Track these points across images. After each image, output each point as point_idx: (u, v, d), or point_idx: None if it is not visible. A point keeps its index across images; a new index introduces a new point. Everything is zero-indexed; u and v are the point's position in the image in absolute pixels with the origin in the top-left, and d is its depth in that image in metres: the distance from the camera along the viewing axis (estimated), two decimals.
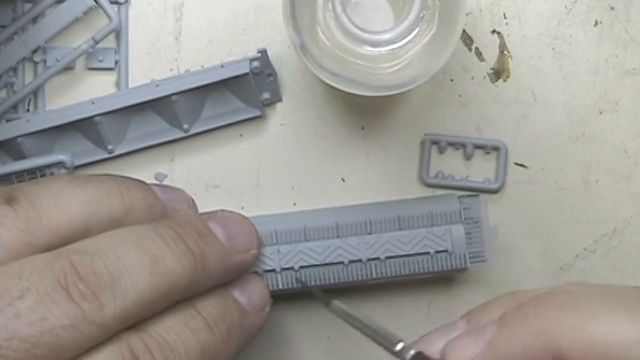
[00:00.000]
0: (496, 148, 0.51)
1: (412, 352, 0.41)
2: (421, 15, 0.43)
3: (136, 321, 0.40)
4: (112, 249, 0.40)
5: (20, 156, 0.49)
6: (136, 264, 0.40)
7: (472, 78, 0.51)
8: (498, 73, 0.51)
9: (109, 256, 0.40)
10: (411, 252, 0.48)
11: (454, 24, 0.42)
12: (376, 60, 0.44)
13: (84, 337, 0.38)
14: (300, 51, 0.43)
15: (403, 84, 0.42)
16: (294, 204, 0.51)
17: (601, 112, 0.51)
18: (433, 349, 0.41)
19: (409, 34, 0.43)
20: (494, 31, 0.51)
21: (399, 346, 0.42)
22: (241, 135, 0.51)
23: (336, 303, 0.45)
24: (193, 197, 0.49)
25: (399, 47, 0.43)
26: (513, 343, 0.39)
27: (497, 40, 0.51)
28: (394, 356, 0.42)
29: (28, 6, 0.50)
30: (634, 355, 0.36)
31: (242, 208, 0.51)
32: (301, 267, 0.48)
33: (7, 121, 0.50)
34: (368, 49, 0.44)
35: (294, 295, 0.50)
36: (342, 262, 0.48)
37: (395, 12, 0.46)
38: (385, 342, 0.42)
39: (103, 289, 0.39)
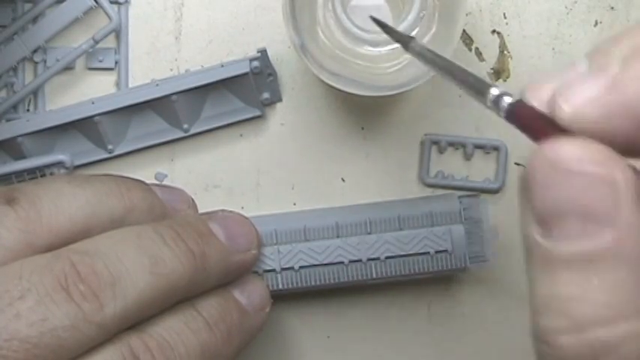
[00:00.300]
0: (496, 148, 0.51)
1: (509, 99, 0.32)
2: (421, 15, 0.43)
3: (137, 321, 0.41)
4: (113, 249, 0.40)
5: (20, 156, 0.49)
6: (136, 264, 0.40)
7: None
8: (498, 73, 0.51)
9: (109, 256, 0.40)
10: (411, 252, 0.48)
11: (454, 24, 0.42)
12: (376, 60, 0.44)
13: (84, 338, 0.38)
14: (300, 51, 0.43)
15: (403, 84, 0.42)
16: (294, 204, 0.51)
17: None
18: (542, 95, 0.31)
19: (409, 34, 0.43)
20: (494, 31, 0.51)
21: (493, 92, 0.32)
22: (241, 135, 0.51)
23: (416, 41, 0.38)
24: (193, 197, 0.49)
25: (400, 47, 0.43)
26: None
27: (497, 40, 0.51)
28: (486, 105, 0.33)
29: (28, 6, 0.50)
30: None
31: (242, 208, 0.51)
32: (301, 267, 0.48)
33: (7, 121, 0.50)
34: (368, 49, 0.44)
35: (294, 295, 0.50)
36: (342, 262, 0.48)
37: (394, 12, 0.46)
38: (476, 86, 0.33)
39: (103, 290, 0.39)
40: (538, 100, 0.31)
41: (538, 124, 0.31)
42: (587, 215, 0.29)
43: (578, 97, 0.30)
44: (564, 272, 0.29)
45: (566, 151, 0.29)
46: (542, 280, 0.30)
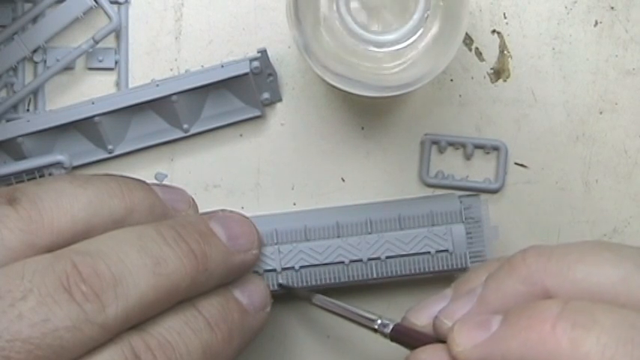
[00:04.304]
0: (496, 148, 0.51)
1: (391, 325, 0.43)
2: (425, 15, 0.43)
3: (138, 321, 0.40)
4: (114, 250, 0.40)
5: (20, 156, 0.49)
6: (138, 265, 0.40)
7: (472, 78, 0.51)
8: (498, 73, 0.51)
9: (111, 256, 0.40)
10: (411, 252, 0.48)
11: (458, 24, 0.42)
12: (380, 60, 0.44)
13: (86, 338, 0.38)
14: (304, 52, 0.43)
15: (407, 84, 0.42)
16: (294, 204, 0.51)
17: (601, 112, 0.51)
18: (421, 320, 0.42)
19: (413, 34, 0.43)
20: (494, 31, 0.51)
21: (378, 322, 0.44)
22: (241, 135, 0.51)
23: (318, 296, 0.47)
24: (193, 197, 0.49)
25: (404, 48, 0.43)
26: (502, 293, 0.39)
27: (497, 40, 0.51)
28: (377, 334, 0.44)
29: (28, 6, 0.50)
30: (620, 294, 0.36)
31: (242, 208, 0.51)
32: (302, 267, 0.48)
33: (7, 121, 0.50)
34: (372, 50, 0.44)
35: (295, 295, 0.50)
36: (343, 262, 0.48)
37: (395, 13, 0.46)
38: (366, 321, 0.44)
39: (105, 290, 0.39)
40: (420, 323, 0.42)
41: (414, 337, 0.42)
42: None
43: (456, 314, 0.40)
44: None
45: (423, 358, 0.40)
46: None
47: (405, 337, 0.43)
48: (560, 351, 0.35)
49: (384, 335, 0.43)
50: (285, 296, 0.49)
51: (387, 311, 0.51)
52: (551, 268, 0.38)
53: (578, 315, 0.36)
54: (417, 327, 0.42)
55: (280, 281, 0.48)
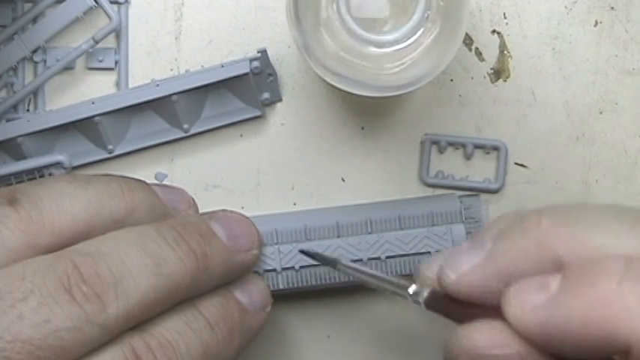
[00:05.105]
0: (496, 148, 0.51)
1: (427, 291, 0.40)
2: (425, 15, 0.43)
3: (139, 322, 0.41)
4: (115, 250, 0.40)
5: (20, 156, 0.49)
6: (138, 265, 0.40)
7: (472, 78, 0.51)
8: (498, 73, 0.51)
9: (111, 257, 0.40)
10: (411, 252, 0.48)
11: (458, 24, 0.42)
12: (380, 60, 0.44)
13: (87, 339, 0.38)
14: (304, 52, 0.43)
15: (408, 84, 0.42)
16: (294, 204, 0.51)
17: (601, 112, 0.51)
18: (432, 271, 0.40)
19: (414, 34, 0.43)
20: (494, 31, 0.51)
21: (412, 289, 0.40)
22: (241, 135, 0.51)
23: (343, 262, 0.45)
24: (193, 197, 0.49)
25: (404, 47, 0.43)
26: (513, 253, 0.37)
27: (497, 40, 0.51)
28: (409, 301, 0.41)
29: (28, 6, 0.50)
30: (635, 266, 0.34)
31: (242, 208, 0.51)
32: (302, 267, 0.48)
33: (7, 121, 0.50)
34: (372, 50, 0.44)
35: (295, 295, 0.50)
36: None
37: (394, 12, 0.46)
38: (396, 288, 0.41)
39: (106, 291, 0.39)
40: (431, 274, 0.40)
41: (450, 307, 0.39)
42: None
43: (462, 266, 0.38)
44: None
45: (478, 338, 0.36)
46: None
47: (443, 304, 0.40)
48: (628, 310, 0.33)
49: (417, 302, 0.40)
50: (285, 296, 0.49)
51: (388, 311, 0.51)
52: (566, 235, 0.36)
53: None
54: (452, 292, 0.39)
55: (301, 248, 0.48)
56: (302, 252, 0.48)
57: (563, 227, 0.37)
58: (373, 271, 0.44)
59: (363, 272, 0.44)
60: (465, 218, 0.48)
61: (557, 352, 0.36)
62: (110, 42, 0.51)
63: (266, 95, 0.50)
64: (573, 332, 0.34)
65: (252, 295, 0.46)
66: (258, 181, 0.51)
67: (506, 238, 0.38)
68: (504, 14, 0.51)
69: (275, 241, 0.48)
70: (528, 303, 0.36)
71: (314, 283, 0.48)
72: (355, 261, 0.48)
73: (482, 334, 0.37)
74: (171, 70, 0.51)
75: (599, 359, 0.35)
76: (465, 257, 0.39)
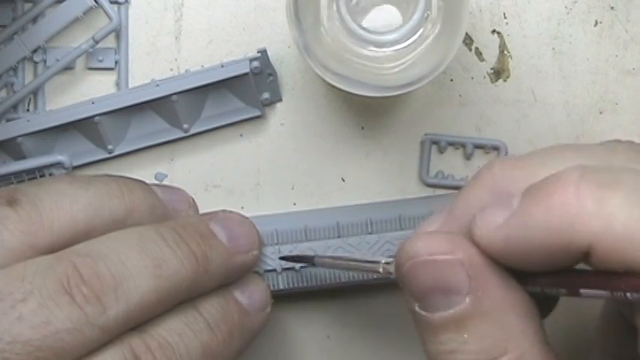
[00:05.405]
0: (496, 148, 0.51)
1: (383, 260, 0.42)
2: (425, 15, 0.43)
3: (139, 323, 0.41)
4: (115, 251, 0.40)
5: (20, 156, 0.49)
6: (138, 267, 0.40)
7: (472, 78, 0.51)
8: (498, 73, 0.51)
9: (111, 258, 0.40)
10: None
11: (458, 24, 0.42)
12: (381, 60, 0.43)
13: (87, 340, 0.38)
14: (304, 52, 0.43)
15: (408, 84, 0.42)
16: (294, 204, 0.51)
17: (601, 112, 0.51)
18: (431, 227, 0.41)
19: (414, 34, 0.43)
20: (494, 31, 0.51)
21: (381, 263, 0.42)
22: (241, 135, 0.51)
23: (318, 257, 0.47)
24: (193, 197, 0.49)
25: (404, 47, 0.43)
26: (470, 204, 0.39)
27: (497, 40, 0.51)
28: (381, 274, 0.42)
29: (28, 6, 0.50)
30: (589, 174, 0.35)
31: (242, 208, 0.51)
32: (302, 267, 0.48)
33: (7, 121, 0.50)
34: (372, 50, 0.44)
35: (295, 295, 0.50)
36: None
37: (394, 12, 0.46)
38: (370, 266, 0.43)
39: (106, 292, 0.39)
40: (434, 227, 0.40)
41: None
42: (447, 289, 0.36)
43: (488, 225, 0.37)
44: (442, 333, 0.37)
45: (420, 246, 0.37)
46: (428, 340, 0.38)
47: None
48: (585, 212, 0.34)
49: (389, 274, 0.41)
50: (285, 296, 0.49)
51: (388, 311, 0.51)
52: (515, 175, 0.38)
53: (600, 175, 0.34)
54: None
55: (281, 254, 0.48)
56: (282, 258, 0.48)
57: (512, 170, 0.38)
58: (347, 255, 0.46)
59: (338, 259, 0.46)
60: None
61: (525, 268, 0.37)
62: (110, 42, 0.51)
63: (266, 95, 0.50)
64: (535, 242, 0.35)
65: (252, 295, 0.46)
66: (258, 181, 0.51)
67: (462, 193, 0.40)
68: (504, 14, 0.51)
69: (275, 242, 0.48)
70: (492, 223, 0.37)
71: (314, 283, 0.48)
72: None
73: (424, 241, 0.37)
74: (171, 70, 0.51)
75: (562, 268, 0.36)
76: (429, 222, 0.41)
